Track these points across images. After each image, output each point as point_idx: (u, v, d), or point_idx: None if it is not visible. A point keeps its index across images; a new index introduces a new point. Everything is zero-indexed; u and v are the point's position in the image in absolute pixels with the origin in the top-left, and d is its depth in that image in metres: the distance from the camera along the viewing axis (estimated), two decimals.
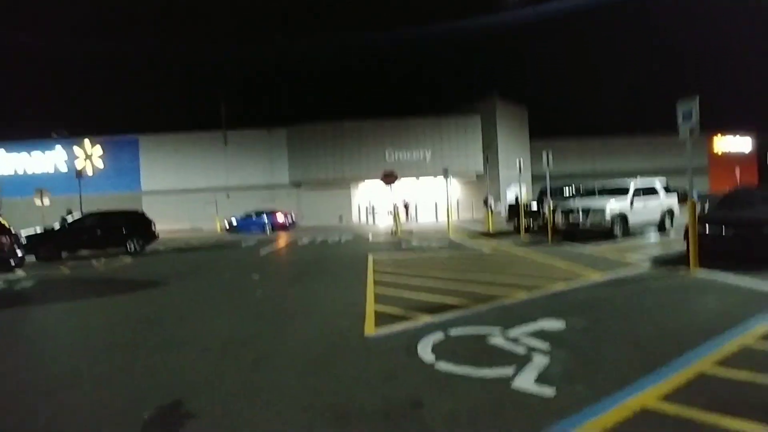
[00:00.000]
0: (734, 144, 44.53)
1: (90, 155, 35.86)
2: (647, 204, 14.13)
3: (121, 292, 8.92)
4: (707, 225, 8.42)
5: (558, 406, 3.14)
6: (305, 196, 36.43)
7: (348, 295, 7.43)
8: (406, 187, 34.96)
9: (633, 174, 24.48)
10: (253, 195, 35.03)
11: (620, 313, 5.58)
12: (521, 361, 3.97)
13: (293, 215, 30.79)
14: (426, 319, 5.55)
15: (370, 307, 6.30)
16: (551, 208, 14.49)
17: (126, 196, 34.06)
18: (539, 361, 3.95)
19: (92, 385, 4.04)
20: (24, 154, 35.59)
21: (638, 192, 13.98)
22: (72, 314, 7.20)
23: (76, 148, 35.56)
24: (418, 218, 34.89)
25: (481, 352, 4.31)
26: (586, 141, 42.78)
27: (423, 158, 35.31)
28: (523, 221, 16.89)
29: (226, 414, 3.30)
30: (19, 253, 10.49)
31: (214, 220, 32.27)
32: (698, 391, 3.26)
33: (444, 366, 3.98)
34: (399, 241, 16.84)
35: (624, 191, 14.00)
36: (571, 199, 15.94)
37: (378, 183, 22.39)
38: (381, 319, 5.67)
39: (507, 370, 3.77)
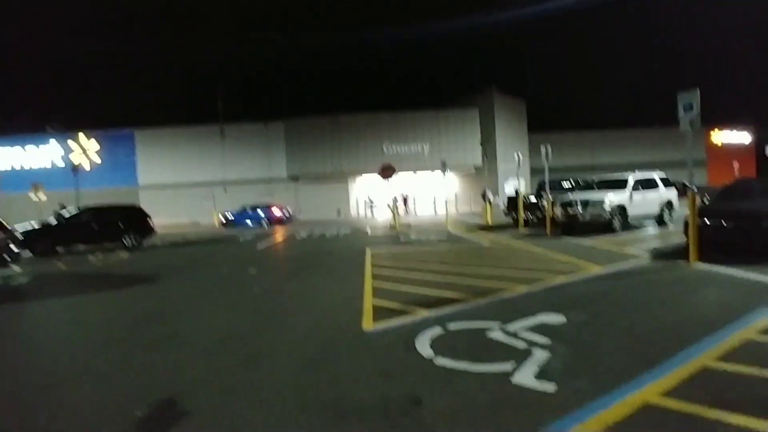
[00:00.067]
0: (732, 137, 44.50)
1: (86, 149, 35.59)
2: (646, 196, 14.09)
3: (118, 287, 8.84)
4: (707, 217, 8.37)
5: (559, 402, 3.08)
6: (303, 190, 36.30)
7: (346, 289, 7.37)
8: (405, 181, 34.87)
9: (631, 167, 24.49)
10: (251, 189, 34.88)
11: (620, 306, 5.54)
12: (521, 356, 3.91)
13: (289, 210, 30.69)
14: (424, 313, 5.50)
15: (368, 302, 6.24)
16: (550, 201, 14.44)
17: (123, 190, 33.85)
18: (539, 356, 3.90)
19: (86, 383, 3.97)
20: (18, 148, 35.32)
21: (637, 185, 13.94)
22: (67, 310, 7.13)
23: (71, 143, 35.29)
24: (417, 212, 34.85)
25: (480, 346, 4.26)
26: (584, 134, 42.71)
27: (421, 152, 35.18)
28: (522, 214, 16.83)
29: (221, 412, 3.24)
30: (15, 249, 10.40)
31: (212, 215, 32.15)
32: (701, 386, 3.21)
33: (443, 361, 3.92)
34: (397, 235, 16.79)
35: (623, 183, 13.96)
36: (570, 192, 15.89)
37: (376, 177, 22.28)
38: (379, 313, 5.61)
39: (506, 366, 3.72)
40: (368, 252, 11.86)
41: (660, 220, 14.55)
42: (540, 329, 4.61)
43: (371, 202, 34.69)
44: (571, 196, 14.34)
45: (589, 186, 15.92)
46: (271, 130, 36.29)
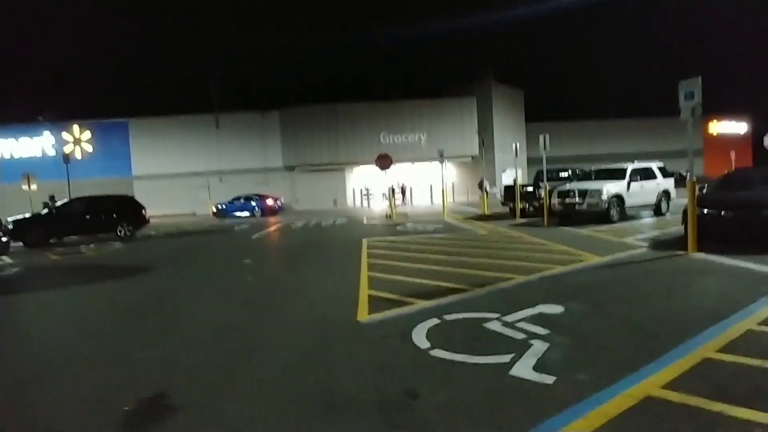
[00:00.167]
0: (728, 127, 44.47)
1: (79, 139, 35.15)
2: (644, 186, 14.03)
3: (110, 278, 8.72)
4: (706, 207, 8.30)
5: (558, 395, 3.01)
6: (299, 180, 36.05)
7: (341, 279, 7.28)
8: (402, 172, 34.66)
9: (629, 156, 24.38)
10: (247, 179, 34.58)
11: (620, 296, 5.47)
12: (519, 348, 3.83)
13: (282, 200, 30.56)
14: (421, 304, 5.41)
15: (364, 292, 6.15)
16: (547, 191, 14.35)
17: (116, 181, 33.46)
18: (538, 348, 3.82)
19: (73, 376, 3.87)
20: (11, 139, 34.81)
21: (635, 175, 13.87)
22: (58, 302, 7.01)
23: (64, 133, 34.81)
24: (413, 201, 34.71)
25: (477, 338, 4.18)
26: (583, 124, 42.57)
27: (418, 141, 34.93)
28: (519, 204, 16.75)
29: (209, 407, 3.15)
30: (4, 239, 10.24)
31: (207, 205, 31.92)
32: (703, 378, 3.14)
33: (439, 353, 3.84)
34: (394, 225, 16.69)
35: (621, 173, 13.89)
36: (568, 182, 15.81)
37: (372, 167, 22.10)
38: (375, 304, 5.52)
39: (504, 357, 3.64)
40: (364, 242, 11.76)
41: (657, 210, 14.51)
42: (538, 320, 4.53)
43: (368, 192, 34.54)
44: (569, 186, 14.26)
45: (586, 176, 15.83)
46: (266, 119, 35.90)
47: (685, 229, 8.09)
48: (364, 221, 19.42)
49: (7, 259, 11.49)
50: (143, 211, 17.11)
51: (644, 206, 14.34)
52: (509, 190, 18.20)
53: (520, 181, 18.70)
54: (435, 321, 4.69)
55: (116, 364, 4.11)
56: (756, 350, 3.55)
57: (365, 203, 34.52)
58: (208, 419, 2.98)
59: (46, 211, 16.17)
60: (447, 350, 3.87)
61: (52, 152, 34.31)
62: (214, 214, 29.03)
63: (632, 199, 13.70)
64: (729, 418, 2.64)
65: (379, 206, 31.44)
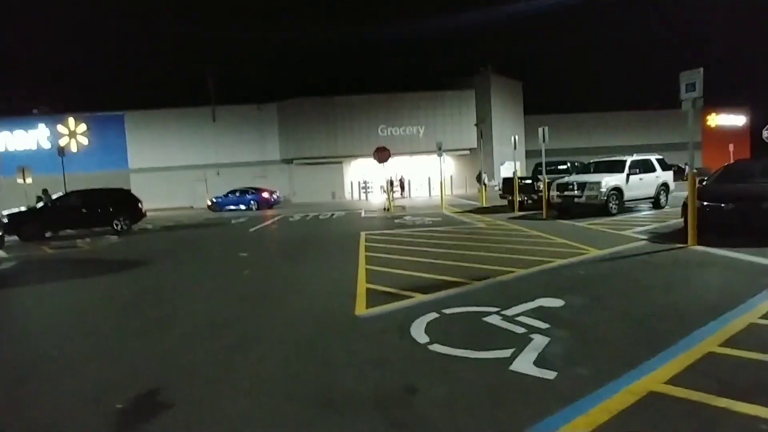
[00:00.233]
0: (727, 120, 44.38)
1: (74, 132, 34.84)
2: (643, 179, 13.96)
3: (106, 272, 8.64)
4: (706, 199, 8.25)
5: (560, 391, 2.96)
6: (297, 173, 35.89)
7: (339, 273, 7.21)
8: (400, 164, 34.52)
9: (628, 149, 24.32)
10: (244, 172, 34.41)
11: (620, 290, 5.42)
12: (519, 342, 3.78)
13: (278, 193, 30.42)
14: (420, 297, 5.35)
15: (362, 286, 6.09)
16: (546, 183, 14.28)
17: (113, 174, 33.22)
18: (538, 342, 3.76)
19: (67, 372, 3.81)
20: (6, 132, 34.48)
21: (634, 168, 13.80)
22: (53, 296, 6.93)
23: (60, 126, 34.49)
24: (412, 194, 34.63)
25: (477, 332, 4.13)
26: (582, 116, 42.41)
27: (417, 134, 34.76)
28: (517, 197, 16.68)
29: (204, 403, 3.09)
30: None
31: (204, 198, 31.77)
32: (706, 373, 3.09)
33: (438, 348, 3.78)
34: (392, 218, 16.61)
35: (620, 166, 13.82)
36: (567, 175, 15.74)
37: (371, 159, 21.96)
38: (373, 298, 5.46)
39: (505, 352, 3.59)
40: (362, 235, 11.69)
41: (656, 203, 14.47)
42: (538, 314, 4.48)
43: (366, 185, 34.42)
44: (568, 179, 14.19)
45: (586, 170, 15.76)
46: (264, 112, 35.65)
47: (685, 221, 8.04)
48: (362, 214, 19.34)
49: (2, 253, 11.39)
50: (140, 204, 16.98)
51: (643, 199, 14.29)
52: (508, 183, 18.12)
53: (518, 174, 18.62)
54: (434, 315, 4.64)
55: (112, 359, 4.04)
56: (759, 344, 3.50)
57: (363, 196, 34.42)
58: (205, 415, 2.93)
59: (41, 204, 16.04)
60: (446, 345, 3.82)
61: (47, 145, 34.04)
62: (209, 207, 28.86)
63: (631, 192, 13.64)
64: (734, 413, 2.60)
65: (378, 199, 31.34)
